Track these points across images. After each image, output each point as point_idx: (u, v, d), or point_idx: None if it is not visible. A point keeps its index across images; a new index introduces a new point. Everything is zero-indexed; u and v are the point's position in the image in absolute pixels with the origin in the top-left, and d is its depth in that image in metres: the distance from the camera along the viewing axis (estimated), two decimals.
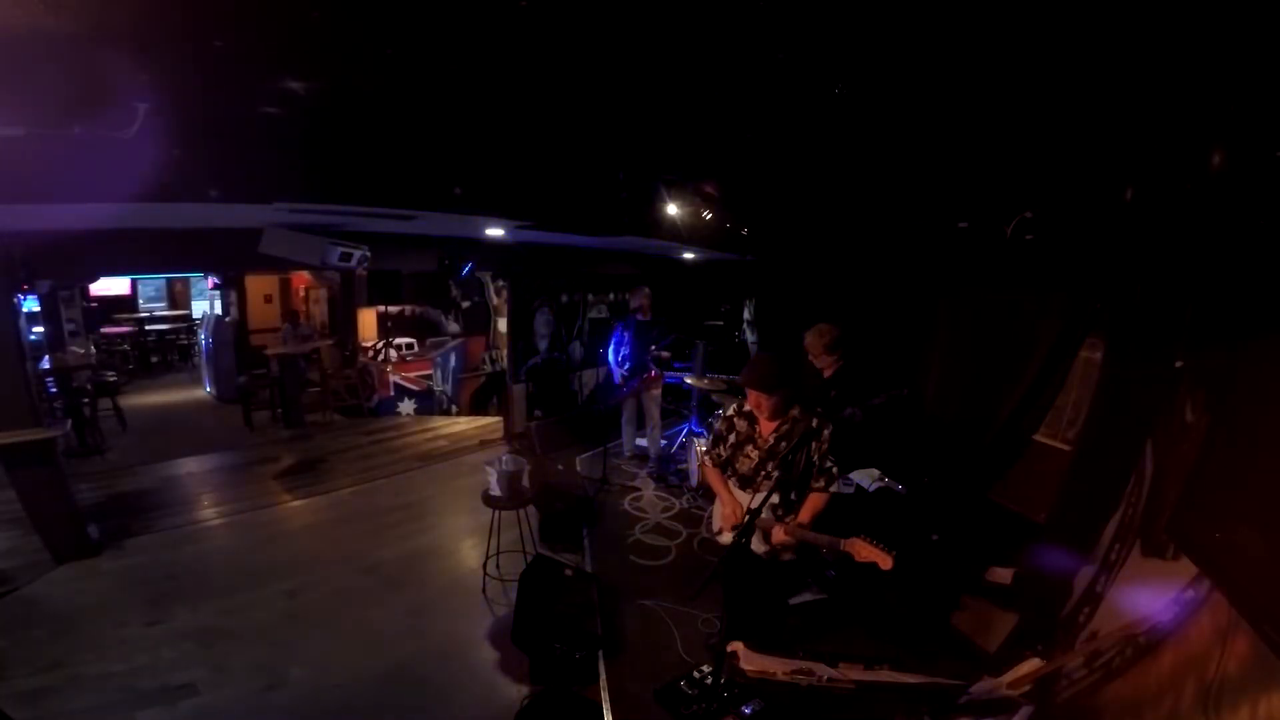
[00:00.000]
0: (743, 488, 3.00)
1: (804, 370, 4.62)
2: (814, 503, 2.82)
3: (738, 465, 3.01)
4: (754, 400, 2.92)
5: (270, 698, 2.99)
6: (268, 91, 2.24)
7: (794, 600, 3.61)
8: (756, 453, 2.94)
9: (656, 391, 6.18)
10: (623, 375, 6.04)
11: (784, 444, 2.87)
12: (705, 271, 7.69)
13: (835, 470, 2.85)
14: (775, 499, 2.82)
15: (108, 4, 1.57)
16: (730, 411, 3.09)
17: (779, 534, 2.76)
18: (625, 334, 6.08)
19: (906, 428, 4.26)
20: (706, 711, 2.79)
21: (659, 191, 3.87)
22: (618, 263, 7.37)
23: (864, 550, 2.52)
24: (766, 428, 2.92)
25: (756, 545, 2.90)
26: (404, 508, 5.32)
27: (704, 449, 5.51)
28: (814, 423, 2.80)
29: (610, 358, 6.21)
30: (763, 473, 2.92)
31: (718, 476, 3.08)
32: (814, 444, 2.78)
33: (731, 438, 3.03)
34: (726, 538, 3.03)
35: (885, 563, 2.46)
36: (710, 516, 3.29)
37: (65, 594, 3.73)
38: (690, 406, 7.22)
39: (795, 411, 2.92)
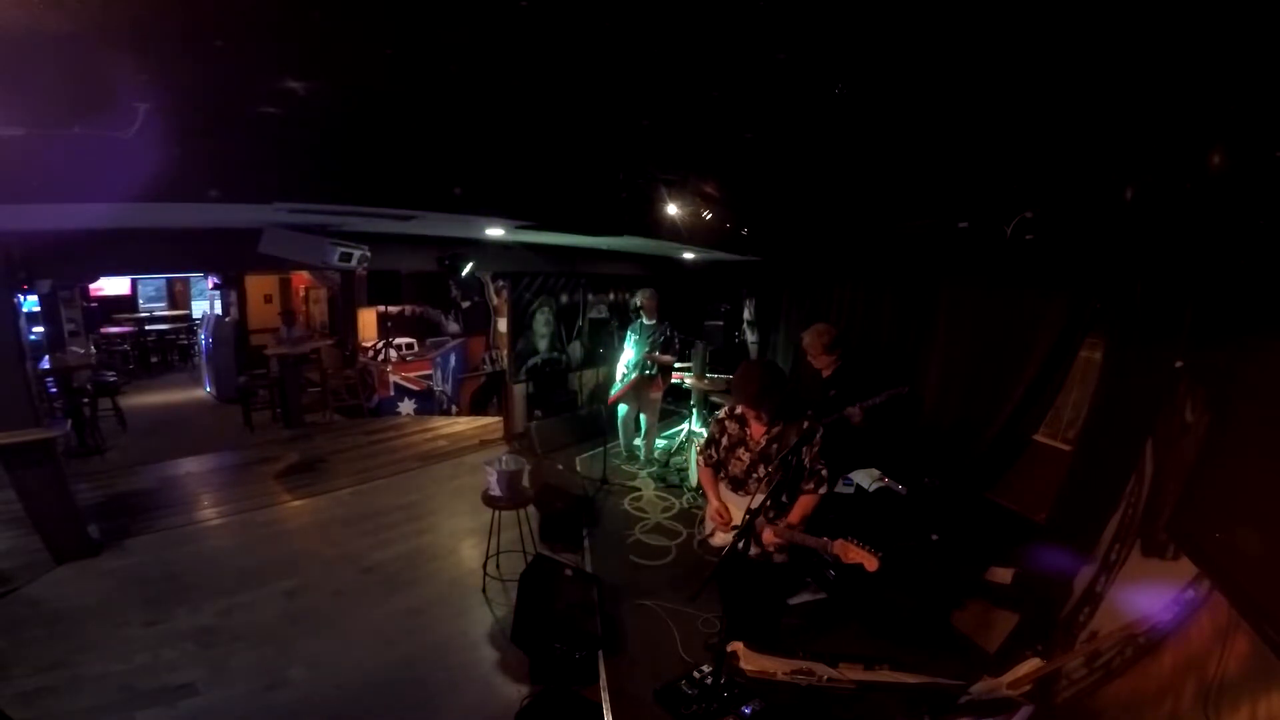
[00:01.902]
0: (734, 490, 3.01)
1: (803, 370, 4.63)
2: (804, 505, 2.83)
3: (730, 467, 3.02)
4: (749, 410, 2.93)
5: (270, 698, 2.99)
6: (268, 91, 2.24)
7: (794, 600, 3.61)
8: (748, 455, 2.95)
9: (656, 395, 6.18)
10: (624, 377, 6.05)
11: (775, 446, 2.88)
12: (705, 271, 7.69)
13: (825, 473, 2.86)
14: (766, 501, 2.83)
15: (108, 4, 1.57)
16: (722, 414, 3.10)
17: (768, 535, 2.78)
18: (631, 337, 6.09)
19: (906, 427, 4.26)
20: (706, 711, 2.79)
21: (659, 191, 3.87)
22: (618, 263, 7.37)
23: (851, 552, 2.54)
24: (757, 430, 2.94)
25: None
26: (404, 508, 5.31)
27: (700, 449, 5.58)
28: (805, 426, 2.81)
29: (618, 362, 6.22)
30: (754, 475, 2.93)
31: (709, 477, 3.10)
32: (805, 448, 2.79)
33: (724, 440, 3.04)
34: (717, 539, 3.04)
35: (870, 564, 2.48)
36: (703, 519, 3.30)
37: (65, 594, 3.72)
38: (690, 406, 7.23)
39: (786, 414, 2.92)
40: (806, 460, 2.82)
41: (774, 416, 2.89)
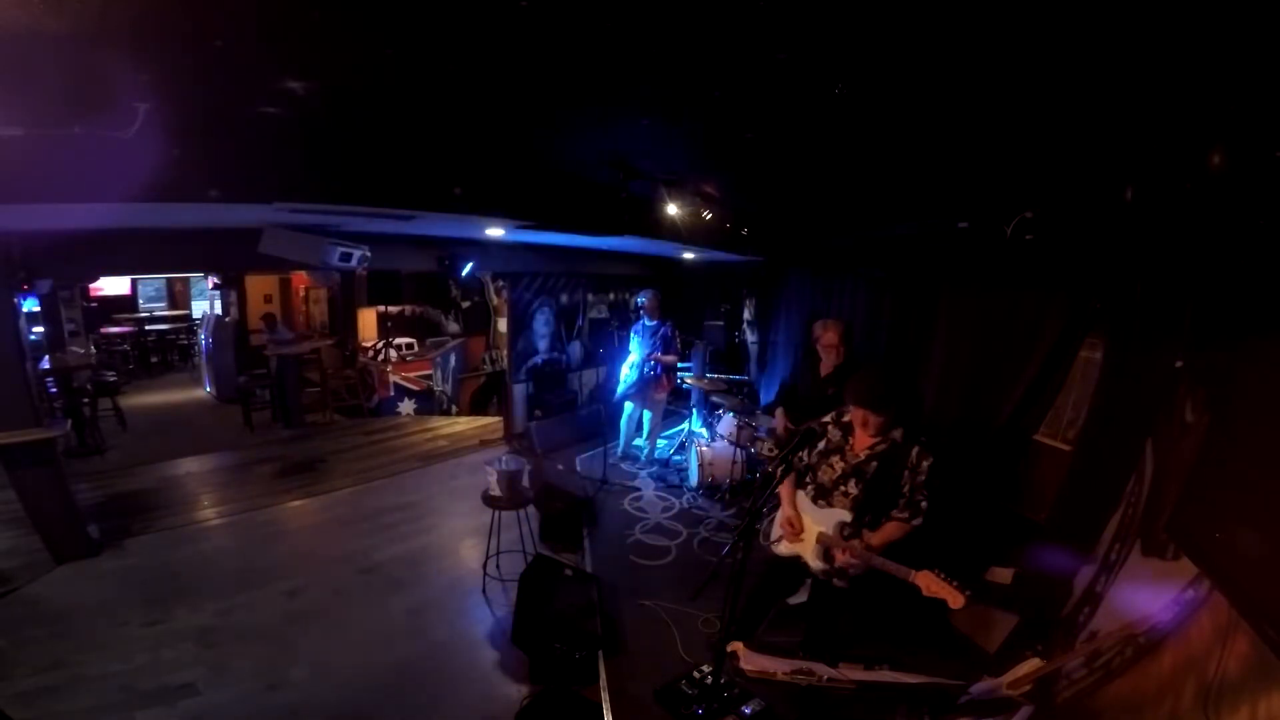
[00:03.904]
0: (817, 498, 2.85)
1: (802, 369, 4.63)
2: (890, 530, 2.67)
3: (820, 474, 2.86)
4: (858, 416, 2.74)
5: (270, 698, 2.99)
6: (268, 91, 2.24)
7: (793, 600, 3.60)
8: (842, 465, 2.79)
9: (661, 396, 6.18)
10: (629, 381, 6.07)
11: (874, 464, 2.73)
12: (705, 271, 7.69)
13: (925, 505, 2.67)
14: (848, 517, 2.73)
15: (108, 4, 1.57)
16: (828, 418, 2.93)
17: (842, 556, 2.66)
18: (635, 338, 6.11)
19: (906, 427, 4.26)
20: (707, 711, 2.79)
21: (659, 191, 3.87)
22: (618, 263, 7.37)
23: (934, 585, 2.37)
24: (861, 443, 2.77)
25: (814, 562, 2.82)
26: (404, 508, 5.32)
27: (705, 446, 5.59)
28: (915, 452, 2.66)
29: (623, 362, 6.24)
30: (842, 488, 2.78)
31: (789, 482, 2.93)
32: (906, 474, 2.66)
33: (821, 444, 2.87)
34: (782, 548, 2.95)
35: (956, 601, 2.31)
36: (769, 522, 3.20)
37: (65, 594, 3.73)
38: (690, 406, 7.23)
39: (897, 434, 2.74)
40: (906, 488, 2.67)
41: (887, 429, 2.72)
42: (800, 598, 3.68)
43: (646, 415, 6.30)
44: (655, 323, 6.03)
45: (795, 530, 2.85)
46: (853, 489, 2.77)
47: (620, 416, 6.44)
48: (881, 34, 1.76)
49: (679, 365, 6.51)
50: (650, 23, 1.75)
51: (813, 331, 4.48)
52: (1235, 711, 1.79)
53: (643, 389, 6.08)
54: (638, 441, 6.45)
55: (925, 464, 2.67)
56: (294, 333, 9.29)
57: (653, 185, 3.79)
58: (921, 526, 2.71)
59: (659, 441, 6.63)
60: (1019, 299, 3.70)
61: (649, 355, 5.91)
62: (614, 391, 6.39)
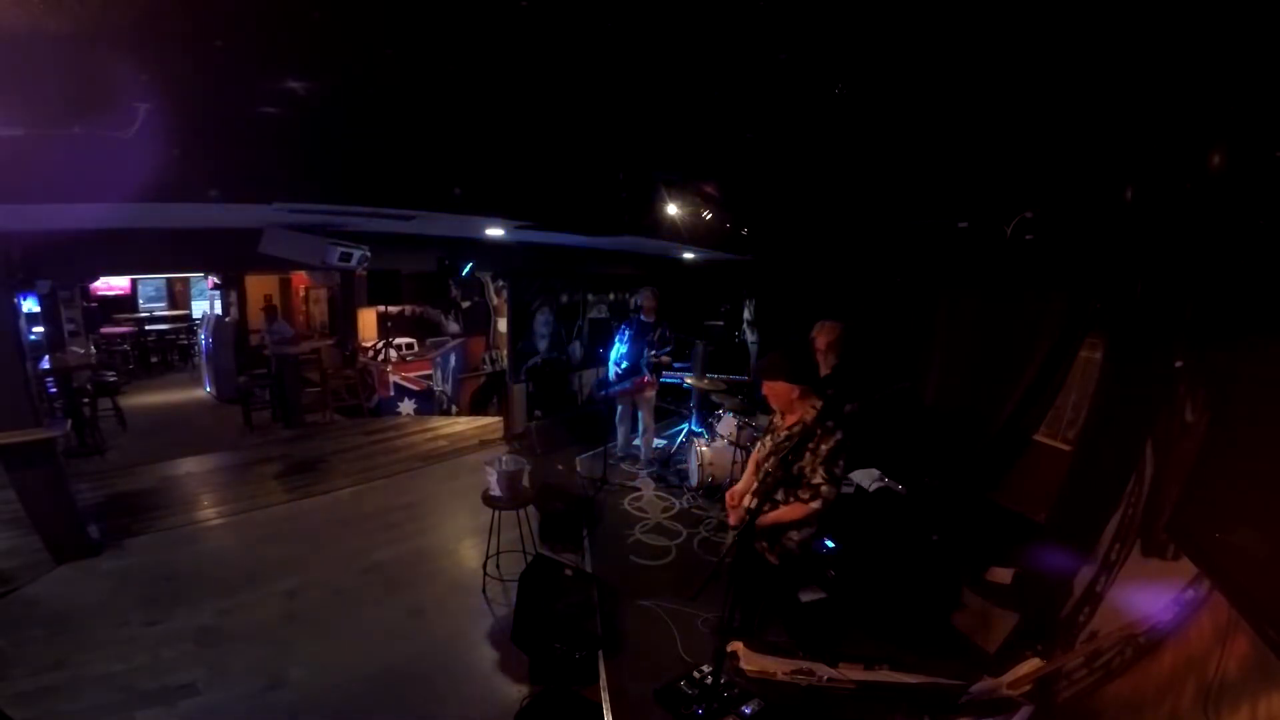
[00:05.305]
0: (756, 473, 3.05)
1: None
2: (786, 511, 2.73)
3: (756, 451, 3.07)
4: (765, 390, 2.92)
5: (270, 698, 2.99)
6: (268, 91, 2.24)
7: (805, 598, 3.60)
8: (770, 443, 2.96)
9: (650, 394, 6.18)
10: (616, 373, 6.05)
11: (788, 443, 2.84)
12: (705, 271, 7.69)
13: (825, 488, 2.67)
14: (756, 489, 2.89)
15: (108, 4, 1.57)
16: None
17: (732, 519, 2.99)
18: (626, 333, 6.09)
19: (906, 425, 4.26)
20: (707, 711, 2.79)
21: (659, 191, 3.87)
22: (618, 263, 7.37)
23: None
24: (786, 421, 2.92)
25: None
26: (404, 508, 5.32)
27: (705, 446, 5.59)
28: (819, 432, 2.69)
29: (610, 356, 6.23)
30: (766, 465, 2.93)
31: (755, 458, 3.13)
32: (808, 454, 2.69)
33: (770, 423, 3.11)
34: (731, 519, 3.09)
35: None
36: None
37: (65, 594, 3.72)
38: (690, 406, 7.23)
39: (810, 415, 2.82)
40: (807, 467, 2.71)
41: (794, 406, 2.85)
42: (810, 595, 3.69)
43: (639, 414, 6.29)
44: (650, 321, 6.02)
45: (733, 504, 3.02)
46: (771, 466, 2.86)
47: (610, 413, 6.43)
48: (882, 34, 1.76)
49: (675, 365, 6.50)
50: (650, 23, 1.75)
51: (812, 332, 4.48)
52: (1235, 711, 1.79)
53: (631, 390, 6.08)
54: (636, 441, 6.44)
55: (825, 446, 2.67)
56: (294, 329, 9.26)
57: (653, 185, 3.79)
58: (825, 509, 2.71)
59: (658, 441, 6.63)
60: (1019, 299, 3.70)
61: (649, 356, 5.88)
62: (604, 386, 6.37)
